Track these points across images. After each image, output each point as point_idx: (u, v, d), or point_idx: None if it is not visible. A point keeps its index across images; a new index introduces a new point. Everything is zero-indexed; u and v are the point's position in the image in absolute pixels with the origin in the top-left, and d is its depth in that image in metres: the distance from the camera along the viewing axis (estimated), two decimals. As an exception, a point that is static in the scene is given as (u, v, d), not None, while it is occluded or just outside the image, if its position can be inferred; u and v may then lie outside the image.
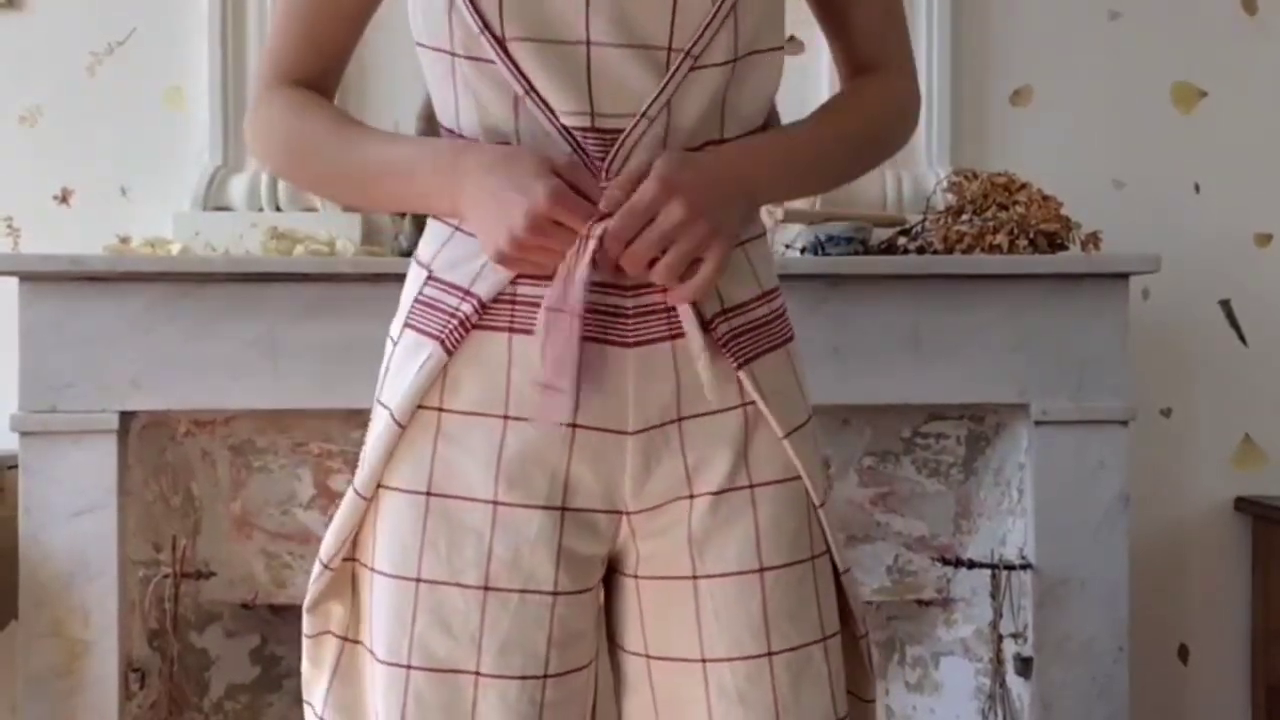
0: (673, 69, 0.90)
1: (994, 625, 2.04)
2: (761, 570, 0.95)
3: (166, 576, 1.97)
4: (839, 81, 1.08)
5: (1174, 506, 2.41)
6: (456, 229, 0.96)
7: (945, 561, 2.10)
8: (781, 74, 0.98)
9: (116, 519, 1.91)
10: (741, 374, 0.95)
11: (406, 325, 0.97)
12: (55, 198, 2.28)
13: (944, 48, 2.31)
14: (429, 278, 0.97)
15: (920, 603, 2.16)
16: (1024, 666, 2.04)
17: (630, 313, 0.93)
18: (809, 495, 0.97)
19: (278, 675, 2.20)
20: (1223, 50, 2.42)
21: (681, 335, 0.93)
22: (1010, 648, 2.05)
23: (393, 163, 0.96)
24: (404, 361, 0.96)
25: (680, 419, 0.94)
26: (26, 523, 1.90)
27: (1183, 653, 2.44)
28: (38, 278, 1.90)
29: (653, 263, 0.89)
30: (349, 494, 0.97)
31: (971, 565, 2.06)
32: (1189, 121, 2.42)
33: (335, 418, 2.01)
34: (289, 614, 2.11)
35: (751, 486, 0.95)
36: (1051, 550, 2.02)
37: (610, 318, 0.92)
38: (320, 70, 1.02)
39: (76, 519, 1.90)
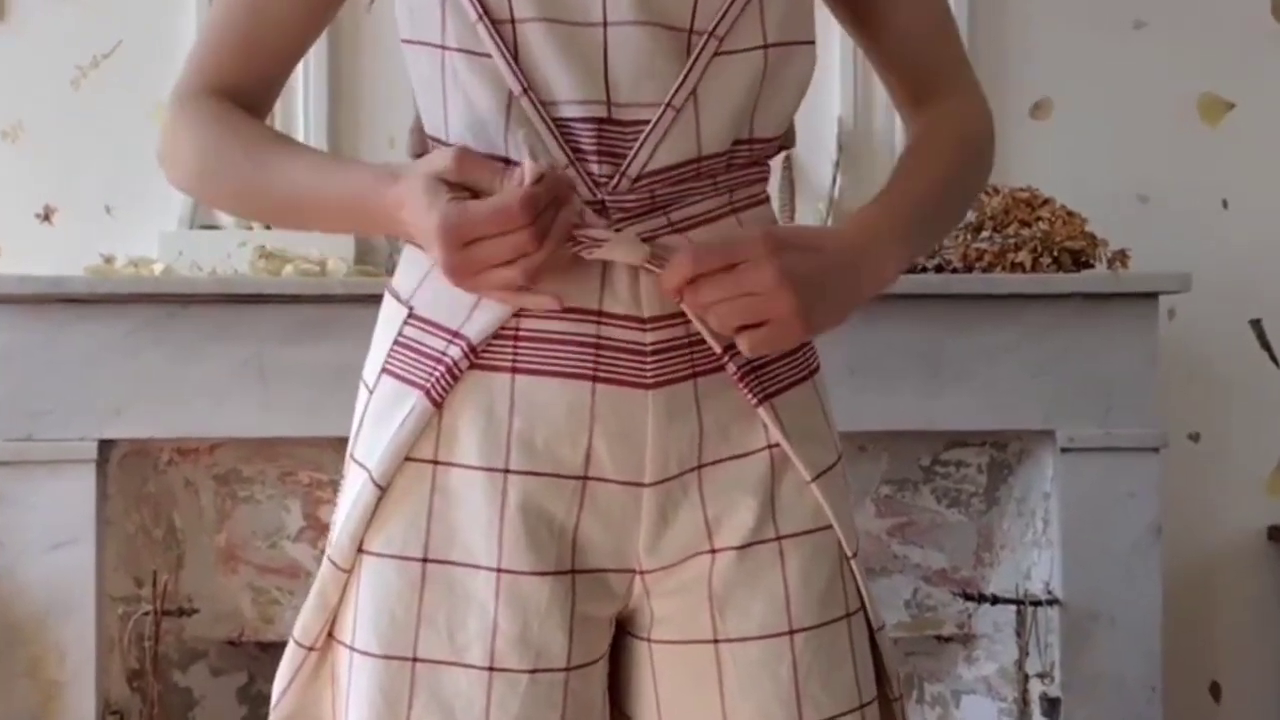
0: (696, 51, 0.84)
1: (1019, 663, 2.01)
2: (791, 632, 0.87)
3: (147, 613, 1.94)
4: (899, 112, 1.01)
5: (1203, 536, 2.36)
6: None
7: (967, 597, 2.07)
8: (813, 72, 0.92)
9: (95, 553, 1.88)
10: (762, 411, 0.87)
11: (384, 371, 0.89)
12: (37, 216, 2.24)
13: (960, 58, 2.26)
14: (409, 316, 0.89)
15: (940, 639, 2.13)
16: (1051, 707, 1.99)
17: (649, 349, 0.85)
18: (841, 546, 0.90)
19: (265, 715, 2.12)
20: (1251, 60, 2.38)
21: (704, 373, 0.87)
22: (1036, 687, 2.01)
23: (324, 199, 0.89)
24: (383, 414, 0.88)
25: (700, 466, 0.87)
26: (0, 557, 1.87)
27: (1215, 690, 2.39)
28: (15, 300, 1.90)
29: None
30: (324, 565, 0.89)
31: (995, 600, 2.02)
32: (1216, 134, 2.37)
33: (326, 446, 1.97)
34: (277, 651, 2.04)
35: (779, 538, 0.88)
36: (1079, 584, 1.99)
37: (627, 355, 0.85)
38: (251, 84, 0.95)
39: (53, 553, 1.86)
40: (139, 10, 2.22)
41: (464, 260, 0.80)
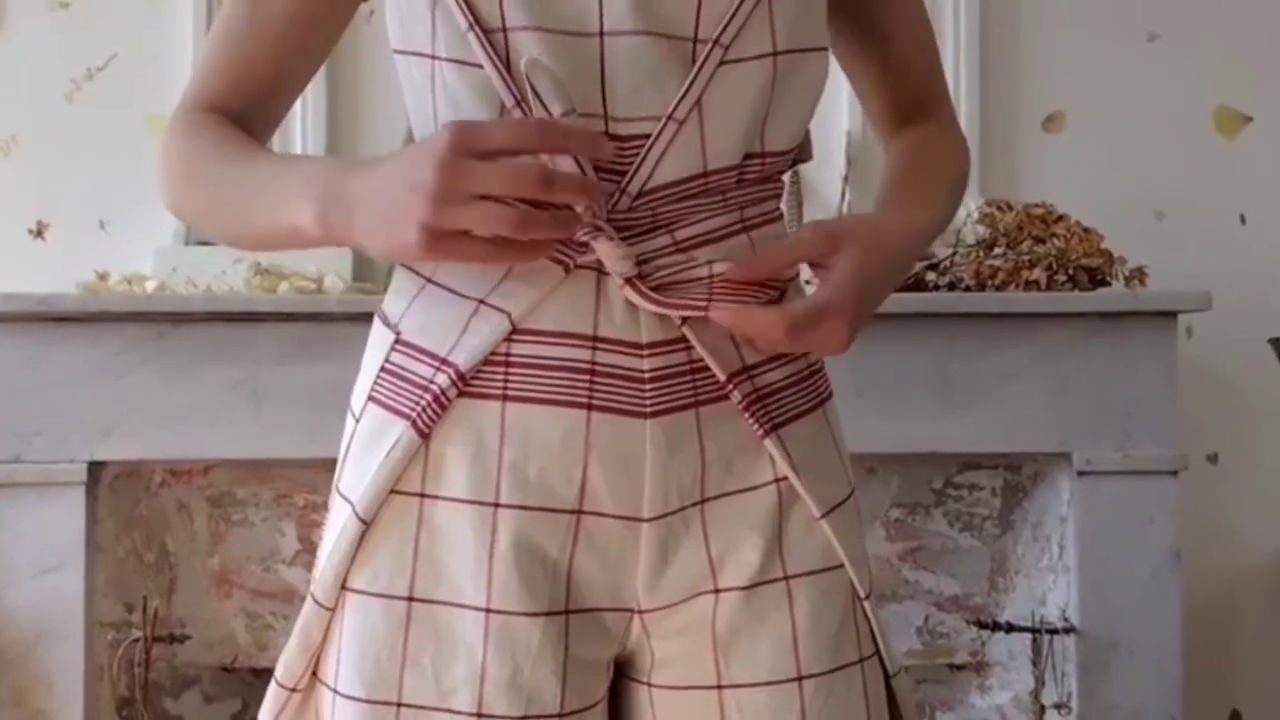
0: (700, 60, 0.80)
1: (1035, 693, 1.96)
2: (800, 678, 0.83)
3: (138, 640, 1.90)
4: (878, 131, 1.01)
5: (1222, 560, 2.31)
6: (429, 280, 0.86)
7: (981, 624, 2.03)
8: (826, 81, 0.88)
9: (84, 578, 1.85)
10: (769, 442, 0.83)
11: (371, 399, 0.85)
12: (30, 231, 2.22)
13: (972, 70, 2.25)
14: (396, 341, 0.85)
15: (953, 666, 2.09)
16: (1068, 739, 1.93)
17: (647, 376, 0.81)
18: (853, 586, 0.86)
19: (259, 744, 2.09)
20: (1268, 73, 2.34)
21: (707, 402, 0.82)
22: (1053, 718, 1.96)
23: (269, 181, 0.83)
24: (368, 444, 0.84)
25: (703, 500, 0.83)
26: (-13, 582, 1.86)
27: (1235, 719, 2.34)
28: (3, 318, 1.87)
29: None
30: (307, 602, 0.84)
31: (1010, 628, 1.98)
32: (1233, 148, 2.34)
33: (321, 468, 1.91)
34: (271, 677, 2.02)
35: (787, 578, 0.84)
36: (1097, 612, 1.95)
37: (623, 382, 0.81)
38: (246, 104, 0.91)
39: (41, 578, 1.83)
40: (133, 23, 2.21)
41: (443, 194, 0.72)
